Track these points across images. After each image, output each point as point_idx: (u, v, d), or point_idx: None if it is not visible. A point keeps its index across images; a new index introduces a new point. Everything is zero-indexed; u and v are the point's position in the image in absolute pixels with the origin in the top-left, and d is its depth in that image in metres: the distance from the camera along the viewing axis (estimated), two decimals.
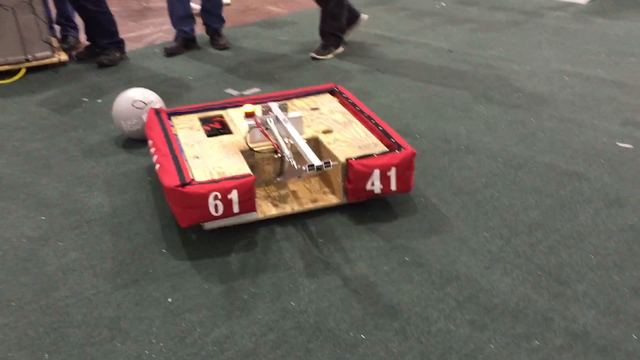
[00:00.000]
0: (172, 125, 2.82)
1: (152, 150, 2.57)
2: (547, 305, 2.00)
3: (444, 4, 5.64)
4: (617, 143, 3.04)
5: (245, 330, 1.94)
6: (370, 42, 4.74)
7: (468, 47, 4.50)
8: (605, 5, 5.29)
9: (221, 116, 2.87)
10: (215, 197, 2.22)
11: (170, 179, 2.27)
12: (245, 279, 2.16)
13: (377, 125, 2.72)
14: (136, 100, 3.15)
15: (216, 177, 2.33)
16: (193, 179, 2.29)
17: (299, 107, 3.00)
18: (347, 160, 2.43)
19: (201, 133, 2.71)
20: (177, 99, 3.74)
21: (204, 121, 2.82)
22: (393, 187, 2.45)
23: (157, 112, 2.85)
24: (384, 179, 2.42)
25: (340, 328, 1.93)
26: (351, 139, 2.64)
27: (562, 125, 3.26)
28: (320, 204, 2.53)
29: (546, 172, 2.81)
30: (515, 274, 2.14)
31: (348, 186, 2.44)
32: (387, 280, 2.13)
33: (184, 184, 2.23)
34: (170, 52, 4.67)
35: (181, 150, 2.56)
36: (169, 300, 2.08)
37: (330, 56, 4.44)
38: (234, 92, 3.88)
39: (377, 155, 2.45)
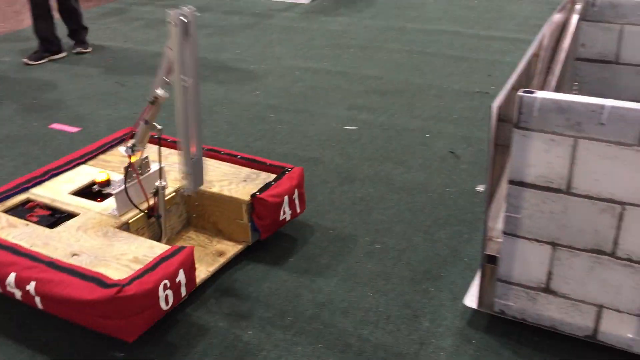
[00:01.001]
0: None
1: None
2: (296, 283, 2.16)
3: None
4: (345, 127, 3.39)
5: None
6: (106, 56, 4.59)
7: (206, 52, 4.60)
8: (325, 4, 5.81)
9: (30, 200, 2.23)
10: (165, 287, 1.80)
11: (86, 291, 1.72)
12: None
13: (231, 155, 2.50)
14: None
15: (136, 266, 1.84)
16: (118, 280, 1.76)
17: (116, 162, 2.47)
18: (252, 196, 2.21)
19: (34, 227, 2.06)
20: None
21: (19, 213, 2.16)
22: (298, 209, 2.35)
23: None
24: (291, 203, 2.30)
25: None
26: (224, 176, 2.36)
27: (297, 116, 3.53)
28: (230, 253, 2.25)
29: (287, 161, 3.01)
30: (266, 260, 2.28)
31: (262, 223, 2.23)
32: None
33: (122, 287, 1.70)
34: None
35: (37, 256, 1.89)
36: None
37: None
38: None
39: (274, 183, 2.28)
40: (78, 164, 2.45)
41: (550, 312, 1.81)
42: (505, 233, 1.78)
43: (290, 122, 3.45)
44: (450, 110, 3.54)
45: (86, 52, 4.64)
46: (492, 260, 1.83)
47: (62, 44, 4.55)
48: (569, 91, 2.75)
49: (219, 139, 3.26)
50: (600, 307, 1.73)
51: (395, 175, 2.86)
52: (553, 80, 2.18)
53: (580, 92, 2.71)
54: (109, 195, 2.26)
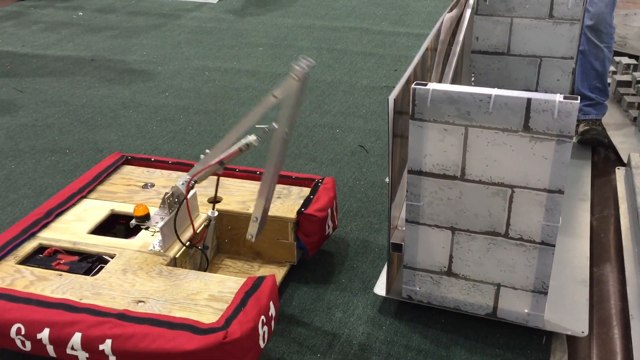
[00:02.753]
0: None
1: (43, 334, 1.62)
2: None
3: (81, 13, 5.48)
4: (256, 126, 3.38)
5: None
6: (3, 60, 4.36)
7: (111, 54, 4.47)
8: (234, 3, 5.78)
9: (44, 246, 1.97)
10: (262, 323, 1.64)
11: (182, 341, 1.53)
12: None
13: (249, 172, 2.34)
14: None
15: (219, 305, 1.68)
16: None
17: (121, 192, 2.26)
18: (298, 213, 2.07)
19: (71, 277, 1.82)
20: None
21: (41, 263, 1.90)
22: (336, 221, 2.25)
23: None
24: (332, 216, 2.18)
25: None
26: (253, 195, 2.10)
27: (208, 117, 3.49)
28: (280, 277, 2.11)
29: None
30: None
31: (310, 240, 2.10)
32: None
33: (226, 331, 1.54)
34: None
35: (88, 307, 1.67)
36: None
37: None
38: None
39: (313, 197, 2.15)
40: (80, 199, 2.20)
41: (453, 294, 1.90)
42: (407, 221, 1.84)
43: (201, 123, 3.41)
44: (359, 106, 3.62)
45: None
46: (397, 248, 1.89)
47: None
48: (468, 82, 2.88)
49: (127, 143, 3.18)
50: (498, 286, 1.83)
51: (307, 171, 2.89)
52: (450, 72, 2.28)
53: (477, 83, 2.84)
54: (127, 229, 2.05)
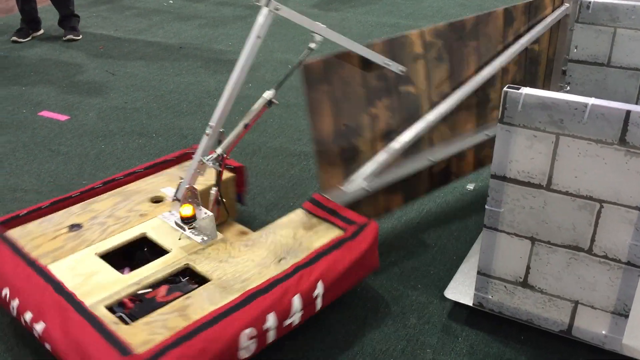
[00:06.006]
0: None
1: (270, 322, 1.65)
2: None
3: (171, 1, 5.67)
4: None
5: None
6: (97, 43, 4.58)
7: (198, 43, 4.61)
8: None
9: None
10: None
11: (360, 243, 1.90)
12: None
13: (133, 172, 2.35)
14: None
15: (332, 231, 1.98)
16: None
17: (38, 244, 1.90)
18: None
19: (200, 292, 1.71)
20: None
21: (145, 309, 1.67)
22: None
23: None
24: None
25: None
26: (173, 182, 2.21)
27: (289, 110, 3.54)
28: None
29: (277, 155, 3.04)
30: None
31: (242, 187, 2.38)
32: None
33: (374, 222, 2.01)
34: None
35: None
36: None
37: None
38: None
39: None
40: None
41: (527, 306, 1.84)
42: (486, 226, 1.81)
43: (282, 116, 3.46)
44: None
45: (76, 40, 4.63)
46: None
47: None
48: (557, 90, 2.78)
49: None
50: (575, 303, 1.77)
51: None
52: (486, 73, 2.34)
53: (573, 94, 2.73)
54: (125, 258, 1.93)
